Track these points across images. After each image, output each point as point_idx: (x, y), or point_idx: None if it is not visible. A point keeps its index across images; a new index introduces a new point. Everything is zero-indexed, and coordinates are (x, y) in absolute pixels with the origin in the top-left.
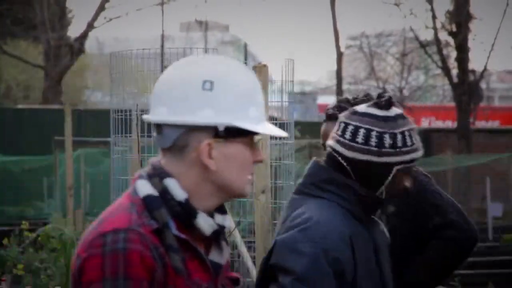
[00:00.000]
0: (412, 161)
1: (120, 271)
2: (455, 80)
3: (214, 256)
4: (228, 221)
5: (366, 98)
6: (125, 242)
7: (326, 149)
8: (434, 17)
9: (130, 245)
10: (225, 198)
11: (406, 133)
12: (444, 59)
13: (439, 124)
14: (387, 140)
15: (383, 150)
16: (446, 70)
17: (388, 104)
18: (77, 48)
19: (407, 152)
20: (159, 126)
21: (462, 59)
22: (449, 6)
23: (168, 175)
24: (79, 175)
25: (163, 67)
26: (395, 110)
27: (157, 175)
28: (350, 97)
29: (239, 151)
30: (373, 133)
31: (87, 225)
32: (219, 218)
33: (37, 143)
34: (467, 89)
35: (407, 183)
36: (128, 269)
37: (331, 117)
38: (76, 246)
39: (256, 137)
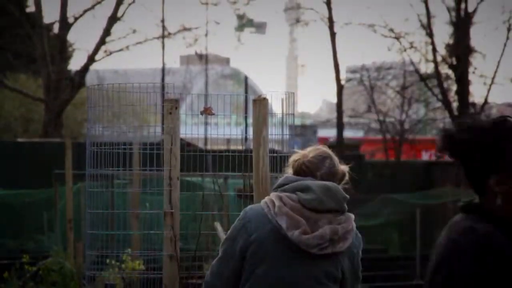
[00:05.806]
0: None
1: None
2: (456, 113)
3: None
4: None
5: None
6: None
7: None
8: (434, 50)
9: None
10: None
11: None
12: (444, 92)
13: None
14: None
15: None
16: (446, 103)
17: None
18: (77, 81)
19: None
20: None
21: (463, 92)
22: (449, 40)
23: None
24: (79, 208)
25: (163, 100)
26: None
27: None
28: None
29: None
30: None
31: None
32: None
33: (37, 176)
34: None
35: None
36: None
37: None
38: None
39: None
